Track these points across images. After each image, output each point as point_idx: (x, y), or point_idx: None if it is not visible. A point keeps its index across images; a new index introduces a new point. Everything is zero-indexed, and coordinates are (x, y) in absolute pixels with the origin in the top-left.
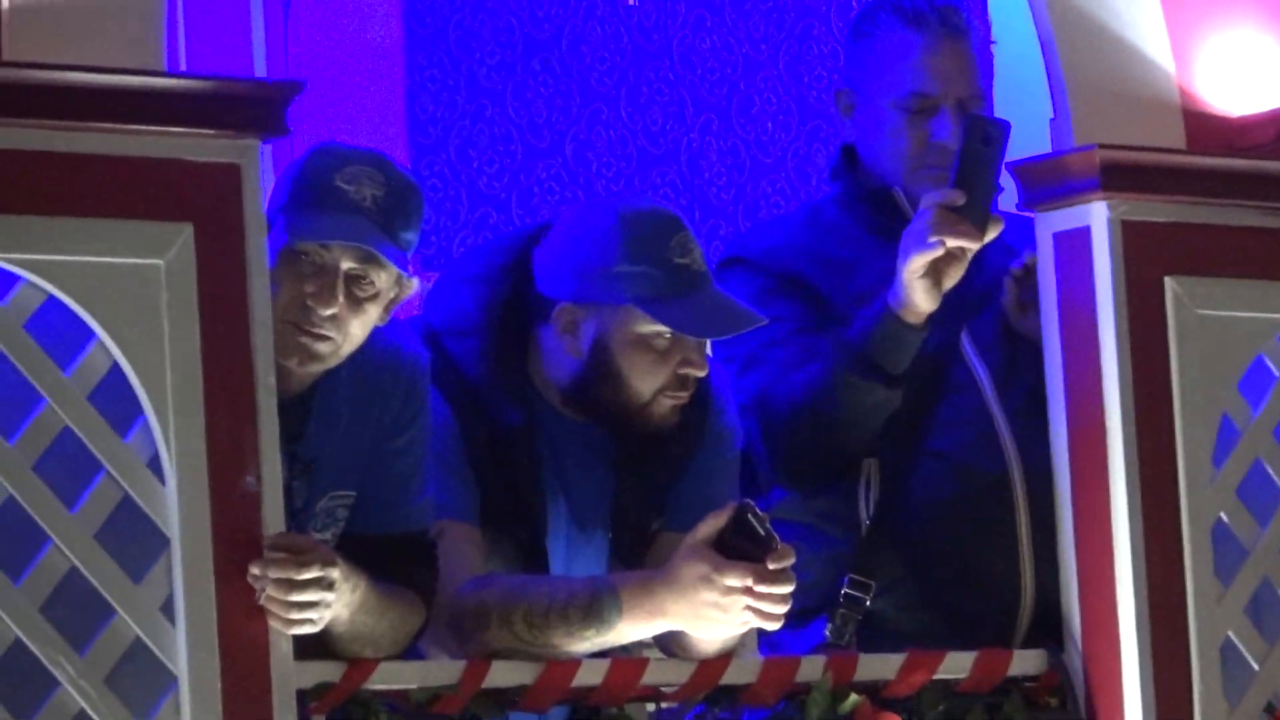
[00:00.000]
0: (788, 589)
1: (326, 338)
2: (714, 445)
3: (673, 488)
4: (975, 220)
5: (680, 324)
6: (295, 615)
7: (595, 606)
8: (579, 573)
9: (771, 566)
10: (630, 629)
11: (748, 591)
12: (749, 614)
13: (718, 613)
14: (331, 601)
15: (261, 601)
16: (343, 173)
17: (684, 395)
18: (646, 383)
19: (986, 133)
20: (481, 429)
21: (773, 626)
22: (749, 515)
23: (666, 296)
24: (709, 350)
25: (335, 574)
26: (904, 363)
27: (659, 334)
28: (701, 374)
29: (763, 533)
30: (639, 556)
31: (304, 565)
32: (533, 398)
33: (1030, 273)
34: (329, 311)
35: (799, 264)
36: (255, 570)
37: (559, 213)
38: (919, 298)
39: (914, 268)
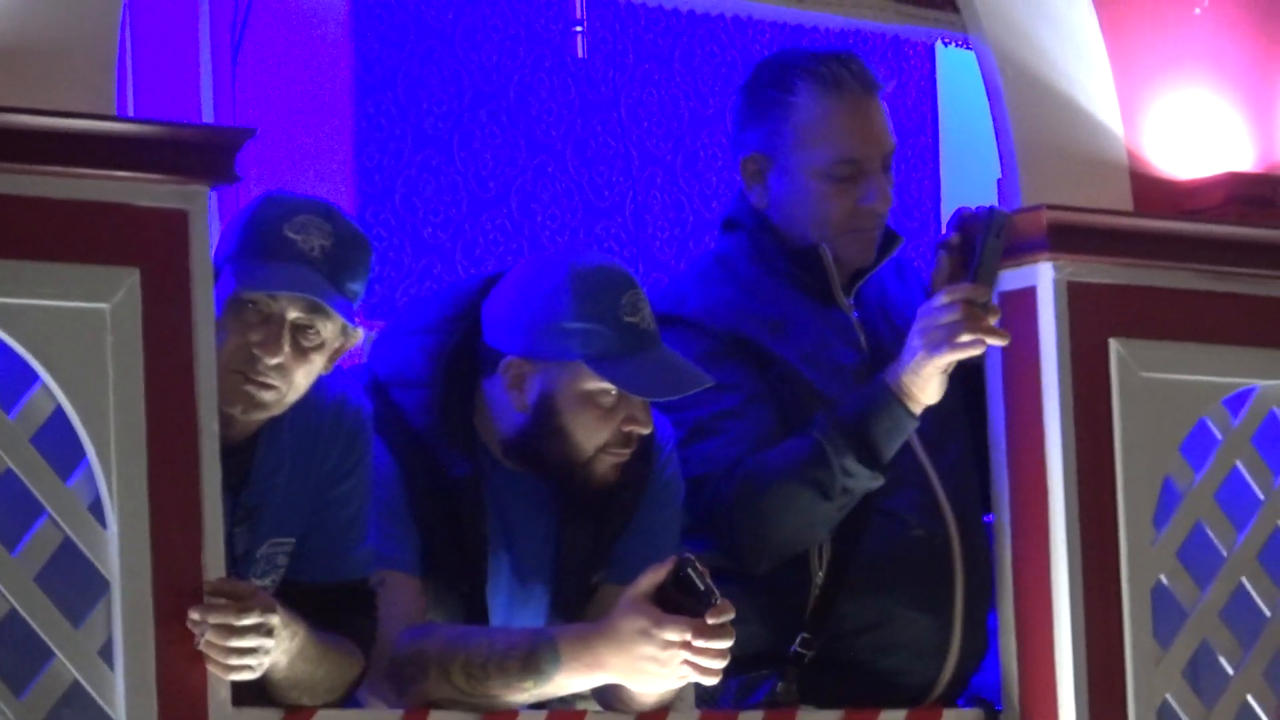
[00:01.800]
0: (726, 643)
1: (271, 386)
2: (658, 499)
3: (616, 541)
4: (985, 309)
5: (628, 383)
6: (234, 661)
7: (533, 658)
8: (519, 625)
9: (711, 621)
10: (568, 681)
11: (686, 646)
12: (687, 668)
13: (656, 666)
14: (270, 648)
15: (200, 647)
16: (292, 222)
17: (626, 452)
18: (590, 439)
19: (1001, 225)
20: (427, 480)
21: (710, 681)
22: (689, 570)
23: (615, 355)
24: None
25: (275, 620)
26: (894, 451)
27: (605, 391)
28: (646, 431)
29: (702, 587)
30: (580, 609)
31: (244, 611)
32: (478, 449)
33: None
34: (275, 361)
35: (741, 323)
36: (195, 615)
37: (509, 265)
38: (933, 391)
39: (941, 364)
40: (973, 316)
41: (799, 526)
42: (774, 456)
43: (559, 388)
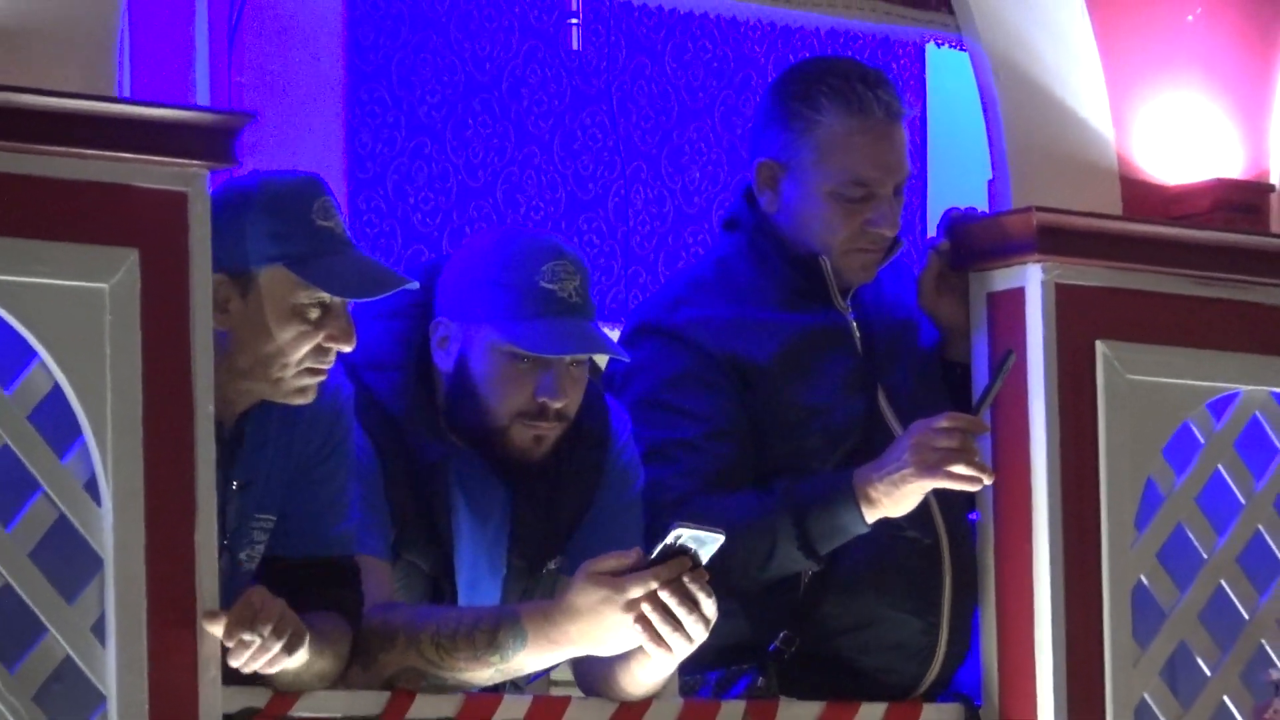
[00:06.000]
0: (701, 597)
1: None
2: (613, 488)
3: (573, 529)
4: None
5: (529, 341)
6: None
7: (500, 634)
8: (479, 604)
9: (673, 576)
10: (534, 657)
11: (652, 598)
12: (654, 627)
13: (623, 630)
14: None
15: (241, 663)
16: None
17: (544, 426)
18: (503, 404)
19: (1010, 366)
20: (401, 462)
21: (684, 642)
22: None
23: (525, 318)
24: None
25: (304, 638)
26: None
27: (514, 354)
28: (559, 404)
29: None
30: (531, 593)
31: (290, 650)
32: (443, 432)
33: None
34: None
35: (730, 340)
36: (246, 636)
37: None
38: (904, 506)
39: (928, 486)
40: (970, 449)
41: (726, 580)
42: (721, 509)
43: (473, 348)
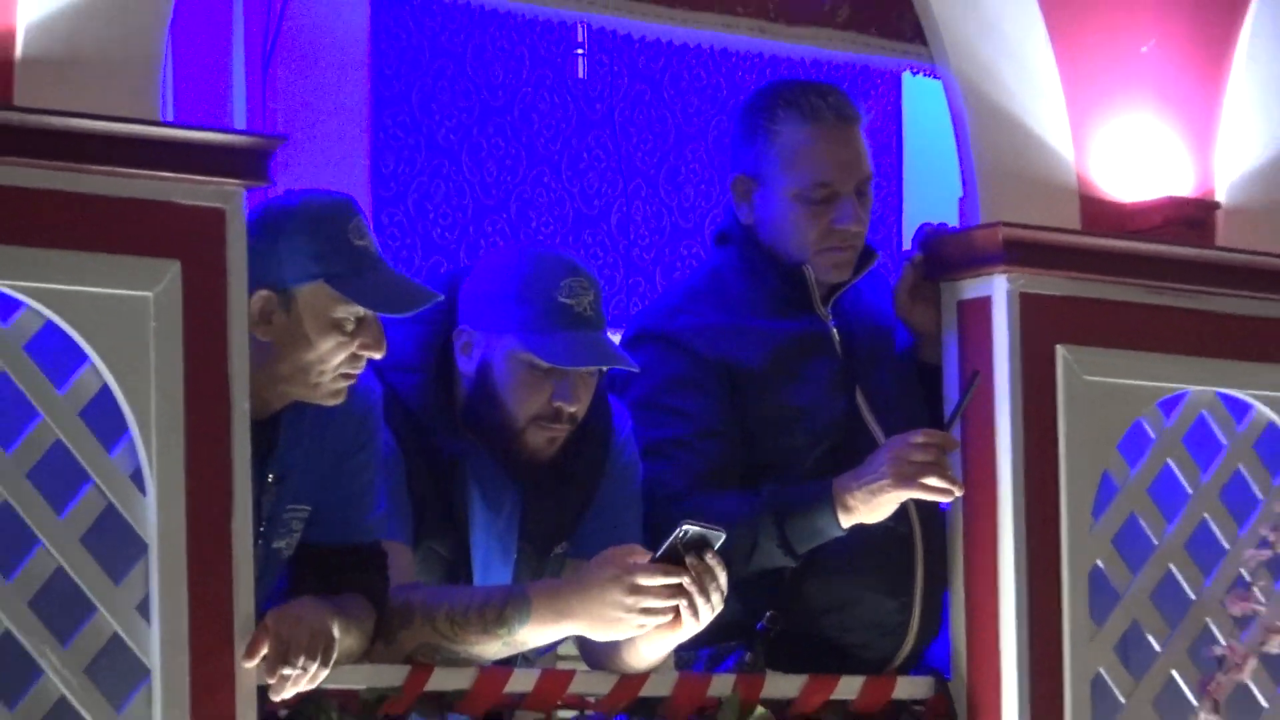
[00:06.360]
0: (705, 598)
1: (354, 376)
2: (617, 480)
3: (579, 520)
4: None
5: (547, 352)
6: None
7: (508, 609)
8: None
9: (680, 580)
10: (539, 631)
11: (664, 592)
12: (649, 617)
13: (621, 612)
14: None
15: (285, 695)
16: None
17: (558, 428)
18: (521, 409)
19: (976, 385)
20: (420, 457)
21: (678, 630)
22: (680, 539)
23: (544, 330)
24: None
25: (335, 646)
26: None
27: (533, 362)
28: (573, 408)
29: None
30: (540, 576)
31: (326, 664)
32: (460, 430)
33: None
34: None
35: (722, 346)
36: (286, 670)
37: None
38: (879, 515)
39: (903, 497)
40: (943, 463)
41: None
42: (711, 507)
43: (495, 356)
